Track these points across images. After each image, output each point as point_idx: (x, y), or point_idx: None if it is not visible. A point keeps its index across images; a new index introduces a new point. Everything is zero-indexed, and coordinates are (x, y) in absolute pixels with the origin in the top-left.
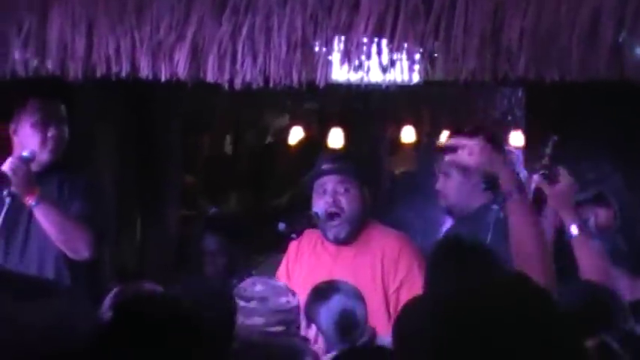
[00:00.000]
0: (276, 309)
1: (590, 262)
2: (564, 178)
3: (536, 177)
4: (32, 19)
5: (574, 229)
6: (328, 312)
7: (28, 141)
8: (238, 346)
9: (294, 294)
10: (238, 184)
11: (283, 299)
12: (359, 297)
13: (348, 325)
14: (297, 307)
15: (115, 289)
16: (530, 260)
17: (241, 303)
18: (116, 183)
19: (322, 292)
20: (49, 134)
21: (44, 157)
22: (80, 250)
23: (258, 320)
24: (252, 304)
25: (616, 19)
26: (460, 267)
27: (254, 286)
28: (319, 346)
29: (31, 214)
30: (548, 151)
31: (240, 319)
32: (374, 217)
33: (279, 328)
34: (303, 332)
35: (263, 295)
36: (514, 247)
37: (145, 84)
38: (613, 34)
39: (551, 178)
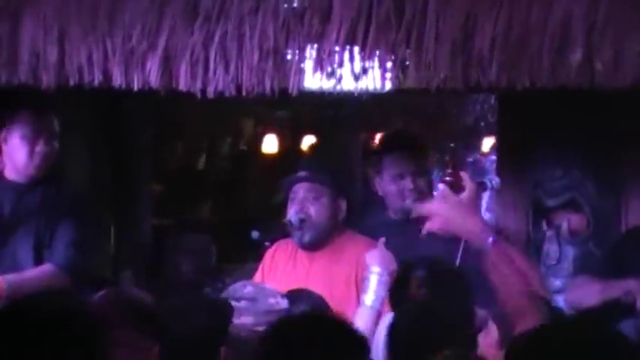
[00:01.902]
0: (265, 309)
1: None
2: (468, 183)
3: (441, 186)
4: (4, 28)
5: (489, 242)
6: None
7: (16, 153)
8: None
9: (283, 296)
10: (211, 193)
11: (272, 300)
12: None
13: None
14: (286, 309)
15: (99, 293)
16: (520, 306)
17: (232, 303)
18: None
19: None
20: (37, 149)
21: (30, 171)
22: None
23: (247, 320)
24: (242, 304)
25: (586, 26)
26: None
27: (244, 287)
28: None
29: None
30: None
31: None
32: (347, 224)
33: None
34: None
35: (253, 296)
36: (502, 295)
37: (116, 93)
38: (584, 41)
39: (454, 185)
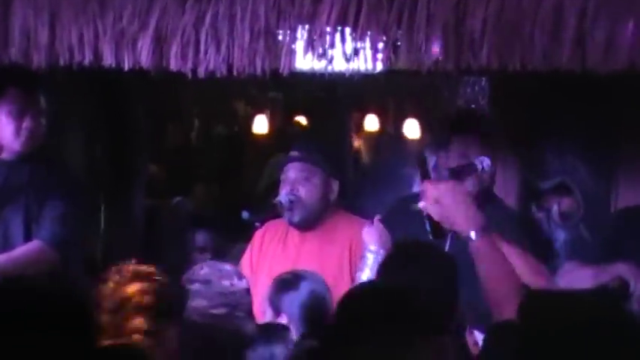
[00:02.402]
0: (219, 291)
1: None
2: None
3: (422, 204)
4: None
5: (472, 235)
6: (299, 300)
7: (2, 129)
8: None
9: (240, 277)
10: (203, 174)
11: (227, 282)
12: (324, 283)
13: (320, 310)
14: (245, 290)
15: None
16: (503, 299)
17: (187, 286)
18: (82, 172)
19: (288, 282)
20: (24, 125)
21: (16, 147)
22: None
23: (201, 302)
24: (196, 287)
25: (579, 9)
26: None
27: (200, 269)
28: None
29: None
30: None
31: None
32: (342, 205)
33: (222, 310)
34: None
35: (207, 278)
36: (485, 287)
37: (109, 73)
38: (576, 24)
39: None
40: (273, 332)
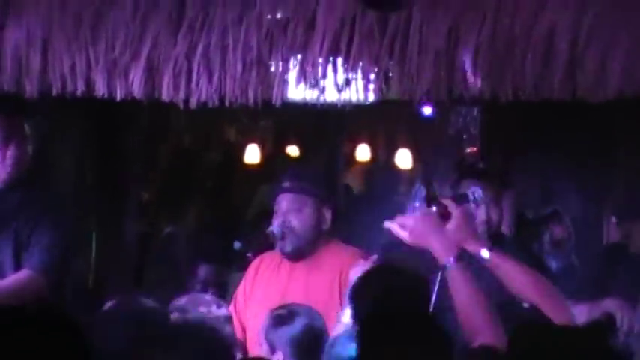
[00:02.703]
0: (195, 319)
1: (512, 278)
2: (453, 210)
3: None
4: None
5: (484, 253)
6: (293, 335)
7: None
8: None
9: (219, 306)
10: (195, 200)
11: (203, 309)
12: (321, 317)
13: (316, 345)
14: (223, 317)
15: (111, 302)
16: (476, 327)
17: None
18: (73, 198)
19: (282, 317)
20: (9, 153)
21: (2, 176)
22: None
23: None
24: (174, 315)
25: (570, 40)
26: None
27: (181, 298)
28: None
29: None
30: (433, 190)
31: None
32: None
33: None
34: (265, 356)
35: (183, 307)
36: (459, 314)
37: (102, 101)
38: (567, 53)
39: (442, 215)
40: None
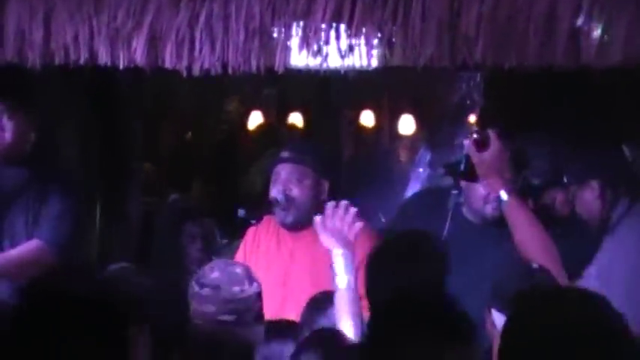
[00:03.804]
0: (228, 298)
1: (522, 228)
2: (494, 143)
3: (466, 142)
4: None
5: (503, 195)
6: (328, 323)
7: None
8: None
9: (251, 282)
10: (198, 171)
11: (237, 288)
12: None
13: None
14: (256, 294)
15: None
16: (535, 257)
17: (196, 289)
18: (78, 171)
19: (320, 302)
20: (9, 126)
21: (6, 150)
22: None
23: (209, 308)
24: (205, 292)
25: (573, 5)
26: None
27: (211, 272)
28: None
29: None
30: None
31: (195, 304)
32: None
33: (230, 317)
34: None
35: (216, 284)
36: (517, 246)
37: (104, 72)
38: (570, 20)
39: (481, 143)
40: (284, 329)
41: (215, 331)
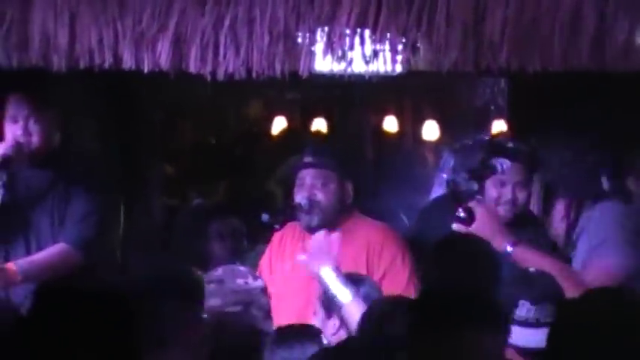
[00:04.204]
0: (232, 289)
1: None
2: (479, 214)
3: (454, 225)
4: (14, 12)
5: (508, 249)
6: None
7: (9, 134)
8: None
9: (255, 277)
10: (222, 175)
11: (241, 281)
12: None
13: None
14: (260, 289)
15: None
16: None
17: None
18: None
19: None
20: (35, 129)
21: (31, 152)
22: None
23: (216, 301)
24: (211, 287)
25: (598, 10)
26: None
27: (215, 271)
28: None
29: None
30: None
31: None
32: (357, 207)
33: (237, 308)
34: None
35: (221, 278)
36: None
37: (125, 74)
38: (595, 24)
39: (467, 219)
40: (306, 333)
41: (223, 324)
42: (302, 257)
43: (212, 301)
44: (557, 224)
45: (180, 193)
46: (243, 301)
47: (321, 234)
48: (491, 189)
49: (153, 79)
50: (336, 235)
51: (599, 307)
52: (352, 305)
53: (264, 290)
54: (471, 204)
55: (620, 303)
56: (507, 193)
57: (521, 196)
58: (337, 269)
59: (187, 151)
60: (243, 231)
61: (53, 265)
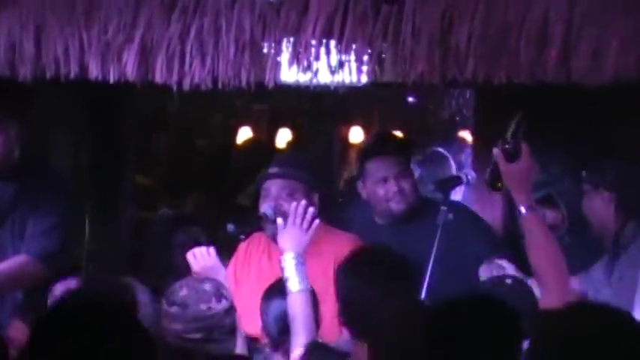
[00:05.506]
0: (195, 316)
1: (536, 242)
2: (525, 157)
3: (496, 151)
4: None
5: (522, 209)
6: (272, 311)
7: None
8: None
9: (220, 299)
10: (190, 185)
11: (204, 306)
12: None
13: (284, 326)
14: (224, 311)
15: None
16: (546, 277)
17: (165, 306)
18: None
19: (270, 291)
20: None
21: None
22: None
23: (177, 326)
24: (173, 310)
25: (564, 23)
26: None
27: (180, 289)
28: (264, 342)
29: None
30: (512, 125)
31: (164, 322)
32: (324, 219)
33: (197, 335)
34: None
35: (184, 301)
36: (531, 262)
37: (96, 85)
38: (561, 37)
39: (511, 155)
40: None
41: (184, 348)
42: (280, 221)
43: (174, 325)
44: (599, 211)
45: (150, 204)
46: (204, 327)
47: (301, 204)
48: (375, 190)
49: (123, 93)
50: (316, 223)
51: (579, 322)
52: (297, 296)
53: (228, 311)
54: (522, 143)
55: (600, 319)
56: (392, 186)
57: (406, 185)
58: (300, 257)
59: (157, 161)
60: (201, 240)
61: (13, 277)
